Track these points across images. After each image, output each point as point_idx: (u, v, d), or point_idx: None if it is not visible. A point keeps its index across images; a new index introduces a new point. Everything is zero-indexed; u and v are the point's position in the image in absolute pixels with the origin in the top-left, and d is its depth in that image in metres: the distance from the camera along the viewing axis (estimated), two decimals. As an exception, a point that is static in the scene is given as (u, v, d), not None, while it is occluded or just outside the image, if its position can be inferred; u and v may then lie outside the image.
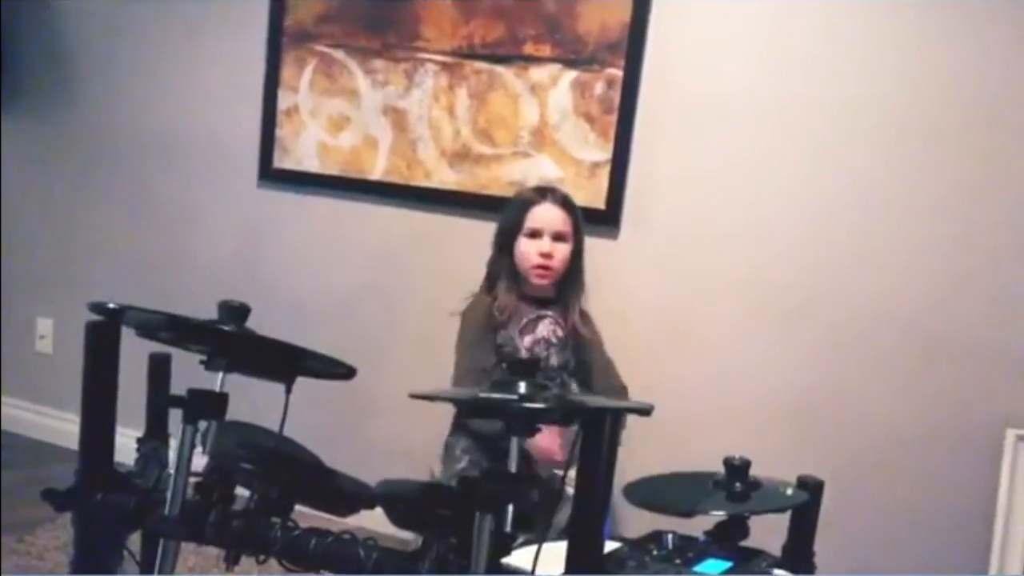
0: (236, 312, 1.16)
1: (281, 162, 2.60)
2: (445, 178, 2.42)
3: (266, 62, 2.58)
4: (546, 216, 1.89)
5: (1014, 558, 1.99)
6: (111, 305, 1.11)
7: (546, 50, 2.29)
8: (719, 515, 1.36)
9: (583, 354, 1.92)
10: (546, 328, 1.89)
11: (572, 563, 1.01)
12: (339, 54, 2.50)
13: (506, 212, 1.98)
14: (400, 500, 1.26)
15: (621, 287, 2.22)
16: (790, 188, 2.15)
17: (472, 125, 2.38)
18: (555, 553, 1.05)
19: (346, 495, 1.30)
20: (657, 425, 1.48)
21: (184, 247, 2.72)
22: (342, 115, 2.52)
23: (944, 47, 2.02)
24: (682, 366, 2.23)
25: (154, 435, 1.43)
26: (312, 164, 2.56)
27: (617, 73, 2.22)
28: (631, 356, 2.11)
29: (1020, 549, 1.99)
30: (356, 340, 2.48)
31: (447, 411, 2.34)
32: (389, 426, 2.44)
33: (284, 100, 2.57)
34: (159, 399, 1.43)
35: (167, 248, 2.75)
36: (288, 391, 1.22)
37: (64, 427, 2.85)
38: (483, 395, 1.01)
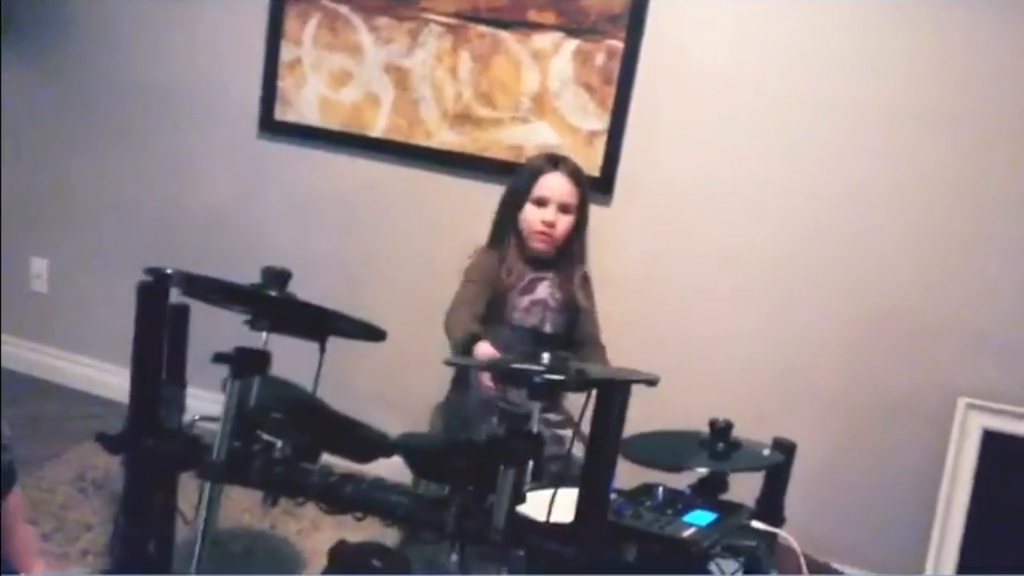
0: (279, 277, 1.26)
1: (282, 115, 2.64)
2: (446, 139, 2.49)
3: (269, 13, 2.59)
4: (554, 185, 1.98)
5: (957, 517, 2.21)
6: (168, 270, 1.19)
7: (549, 18, 2.35)
8: (703, 471, 1.52)
9: (576, 319, 2.04)
10: (544, 290, 2.00)
11: (583, 512, 1.15)
12: (343, 9, 2.52)
13: (517, 176, 2.07)
14: (422, 452, 1.39)
15: (612, 252, 2.33)
16: (780, 164, 2.28)
17: (474, 88, 2.45)
18: (556, 500, 1.19)
19: (370, 444, 1.43)
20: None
21: (181, 194, 2.77)
22: (344, 70, 2.56)
23: (937, 28, 2.14)
24: (668, 329, 2.37)
25: (173, 381, 1.54)
26: (313, 118, 2.61)
27: (618, 45, 2.30)
28: (621, 318, 2.25)
29: (963, 505, 2.20)
30: (348, 293, 2.57)
31: (439, 367, 2.48)
32: (381, 379, 2.56)
33: (287, 52, 2.59)
34: (179, 347, 1.54)
35: (164, 194, 2.79)
36: (322, 350, 1.34)
37: (58, 364, 2.93)
38: (514, 366, 1.13)
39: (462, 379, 2.03)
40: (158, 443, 1.25)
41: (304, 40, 2.58)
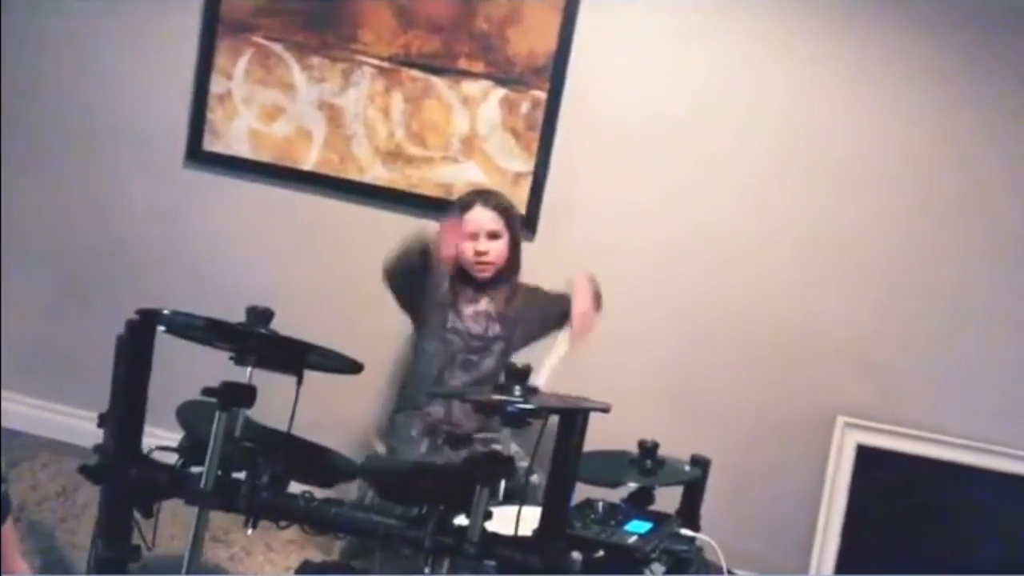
0: (262, 316, 1.35)
1: (211, 145, 2.67)
2: (378, 175, 2.61)
3: (199, 45, 2.63)
4: (479, 218, 2.17)
5: (835, 523, 2.51)
6: (165, 311, 1.27)
7: (479, 67, 2.53)
8: (634, 486, 1.72)
9: (513, 328, 2.22)
10: (486, 304, 2.18)
11: (546, 525, 1.31)
12: (276, 47, 2.60)
13: (450, 213, 2.23)
14: (388, 475, 1.52)
15: (536, 283, 2.51)
16: (685, 204, 2.54)
17: (406, 128, 2.58)
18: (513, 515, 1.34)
19: (336, 469, 1.54)
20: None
21: (107, 224, 2.74)
22: (276, 106, 2.63)
23: (821, 70, 2.46)
24: (586, 361, 2.57)
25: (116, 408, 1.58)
26: (243, 149, 2.66)
27: (541, 95, 2.50)
28: (542, 344, 2.43)
29: (840, 512, 2.50)
30: (279, 326, 2.63)
31: (373, 394, 2.57)
32: (315, 404, 2.62)
33: (217, 85, 2.64)
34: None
35: (89, 224, 2.75)
36: (299, 383, 1.43)
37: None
38: (491, 397, 1.28)
39: (404, 402, 2.15)
40: (142, 472, 1.31)
41: (235, 74, 2.63)
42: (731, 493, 2.54)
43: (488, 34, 2.51)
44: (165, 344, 1.43)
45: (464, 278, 2.19)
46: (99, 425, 1.59)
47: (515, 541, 1.30)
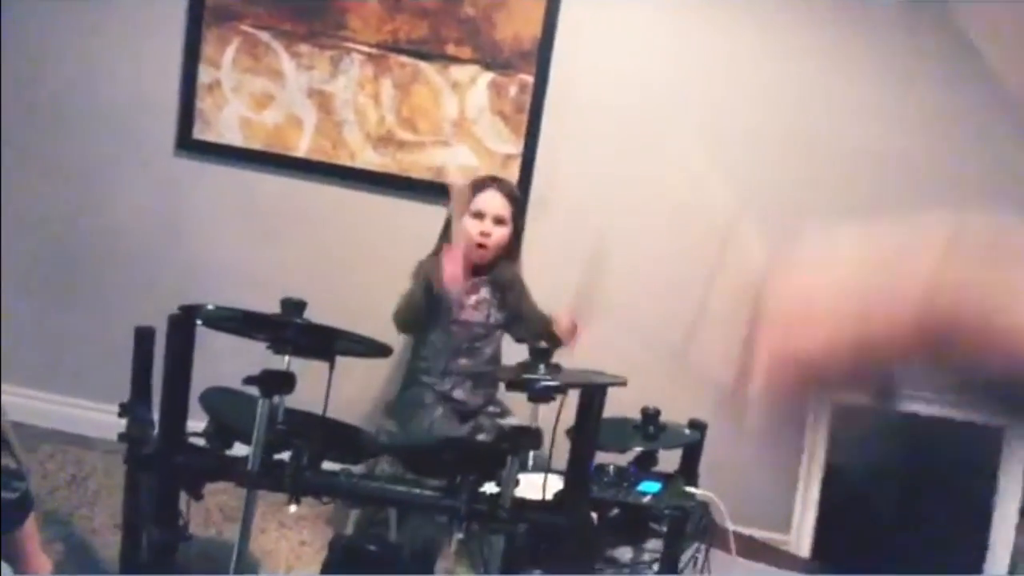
0: (296, 307, 1.43)
1: (202, 134, 2.70)
2: (369, 160, 2.67)
3: (186, 35, 2.64)
4: (489, 200, 2.24)
5: (813, 479, 2.68)
6: (208, 306, 1.34)
7: (466, 52, 2.59)
8: (639, 450, 1.84)
9: (518, 313, 2.31)
10: (486, 291, 2.27)
11: (570, 489, 1.43)
12: (264, 35, 2.63)
13: (458, 199, 2.31)
14: (414, 450, 1.62)
15: (526, 261, 2.61)
16: (666, 182, 2.65)
17: (396, 114, 2.64)
18: (538, 481, 1.46)
19: (363, 446, 1.63)
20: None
21: (98, 213, 2.76)
22: (266, 93, 2.67)
23: (802, 54, 2.58)
24: (585, 335, 2.68)
25: (140, 399, 1.66)
26: (234, 138, 2.70)
27: (528, 79, 2.58)
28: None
29: (819, 470, 2.68)
30: (272, 307, 2.69)
31: (376, 372, 2.66)
32: (319, 386, 2.71)
33: (205, 75, 2.66)
34: (145, 367, 1.66)
35: (80, 214, 2.77)
36: (332, 368, 1.52)
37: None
38: (520, 375, 1.38)
39: (411, 378, 2.24)
40: (190, 458, 1.39)
41: (223, 63, 2.66)
42: (722, 453, 2.69)
43: (475, 19, 2.57)
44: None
45: (466, 264, 2.27)
46: (120, 415, 1.67)
47: (543, 505, 1.42)
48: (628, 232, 2.68)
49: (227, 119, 2.69)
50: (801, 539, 2.68)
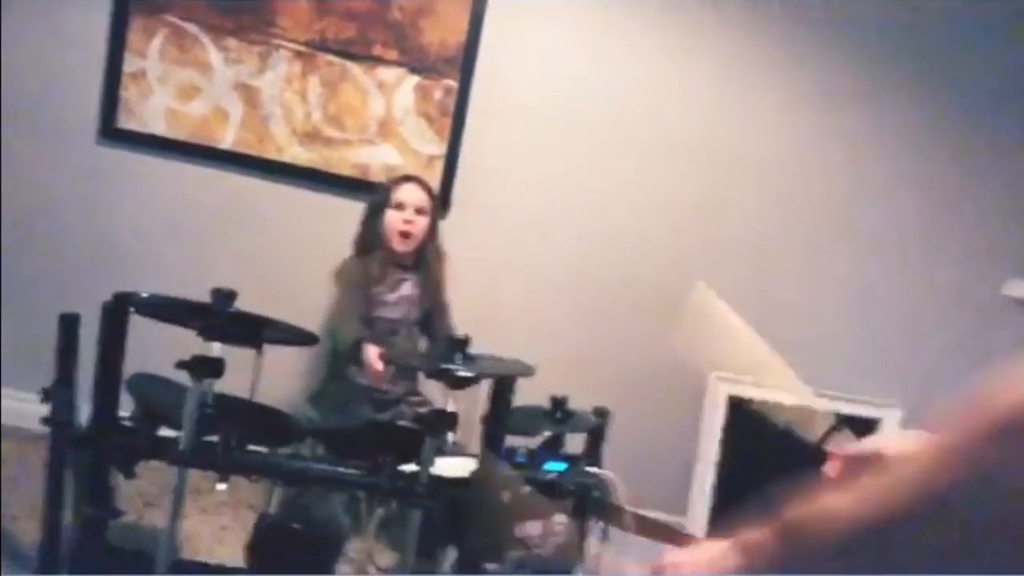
0: (227, 297, 1.52)
1: (126, 123, 2.71)
2: (296, 155, 2.74)
3: (111, 24, 2.64)
4: (410, 192, 2.37)
5: (708, 468, 2.90)
6: (143, 294, 1.41)
7: (393, 55, 2.69)
8: (548, 433, 2.00)
9: (434, 312, 2.43)
10: (408, 288, 2.38)
11: (484, 467, 1.56)
12: (192, 27, 2.66)
13: (376, 192, 2.41)
14: (339, 434, 1.72)
15: (449, 256, 2.73)
16: (580, 184, 2.82)
17: (323, 110, 2.72)
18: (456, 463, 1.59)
19: (288, 430, 1.73)
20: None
21: (20, 202, 2.72)
22: (192, 85, 2.70)
23: (700, 65, 2.79)
24: (490, 315, 2.82)
25: (64, 383, 1.72)
26: (159, 127, 2.71)
27: (453, 84, 2.70)
28: (455, 313, 2.66)
29: (714, 453, 2.90)
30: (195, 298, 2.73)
31: (299, 361, 2.73)
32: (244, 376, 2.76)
33: (131, 64, 2.67)
34: (70, 353, 1.72)
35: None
36: (259, 353, 1.61)
37: None
38: (439, 365, 1.50)
39: (335, 371, 2.33)
40: (124, 439, 1.46)
41: (149, 53, 2.67)
42: (623, 440, 2.88)
43: (402, 24, 2.67)
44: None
45: (388, 263, 2.38)
46: (43, 400, 1.71)
47: (458, 482, 1.55)
48: (541, 229, 2.84)
49: (152, 109, 2.70)
50: (696, 521, 2.90)
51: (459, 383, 1.50)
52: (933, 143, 2.88)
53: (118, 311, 1.46)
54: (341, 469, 1.52)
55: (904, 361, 2.98)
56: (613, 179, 2.84)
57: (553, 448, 1.97)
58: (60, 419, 1.67)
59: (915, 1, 2.79)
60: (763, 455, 2.92)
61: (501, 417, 1.54)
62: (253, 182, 2.76)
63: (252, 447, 1.55)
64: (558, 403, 2.01)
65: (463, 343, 1.52)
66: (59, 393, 1.72)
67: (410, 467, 1.56)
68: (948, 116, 2.86)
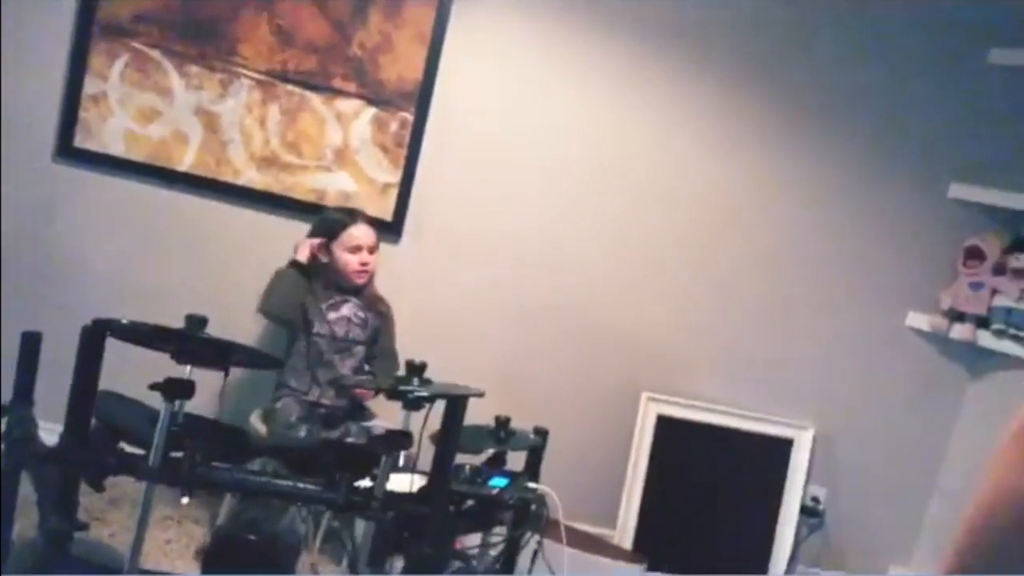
0: (199, 322, 1.64)
1: (83, 143, 2.77)
2: (252, 179, 2.84)
3: (72, 46, 2.71)
4: (363, 234, 2.54)
5: (639, 478, 3.10)
6: (122, 320, 1.52)
7: (352, 87, 2.83)
8: (491, 451, 2.15)
9: (378, 335, 2.58)
10: (349, 309, 2.53)
11: (434, 483, 1.71)
12: (155, 53, 2.75)
13: (324, 226, 2.56)
14: (296, 452, 1.85)
15: (399, 284, 2.87)
16: (528, 215, 3.00)
17: (281, 137, 2.83)
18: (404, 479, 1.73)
19: (247, 447, 1.85)
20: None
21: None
22: (153, 108, 2.78)
23: (642, 103, 3.01)
24: (441, 344, 2.96)
25: (23, 400, 1.80)
26: (118, 149, 2.78)
27: (409, 117, 2.85)
28: (402, 340, 2.80)
29: (643, 470, 3.10)
30: (144, 318, 2.77)
31: (251, 379, 2.82)
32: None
33: (92, 86, 2.74)
34: (30, 370, 1.81)
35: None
36: (226, 376, 1.73)
37: None
38: (396, 386, 1.64)
39: (282, 390, 2.45)
40: (92, 455, 1.56)
41: (111, 76, 2.74)
42: (558, 457, 3.05)
43: (361, 59, 2.81)
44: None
45: (329, 286, 2.52)
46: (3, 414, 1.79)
47: (410, 497, 1.69)
48: (487, 256, 3.01)
49: (111, 130, 2.77)
50: (625, 534, 3.08)
51: (415, 404, 1.65)
52: (852, 189, 3.16)
53: (96, 335, 1.56)
54: (301, 485, 1.64)
55: (817, 386, 3.24)
56: (549, 209, 3.04)
57: (496, 465, 2.12)
58: (17, 435, 1.76)
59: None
60: (687, 467, 3.15)
61: (453, 435, 1.68)
62: (210, 204, 2.85)
63: (214, 463, 1.66)
64: (501, 423, 2.16)
65: (421, 368, 1.67)
66: (17, 409, 1.80)
67: (363, 482, 1.70)
68: (864, 169, 3.14)
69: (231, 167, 2.83)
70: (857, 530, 3.32)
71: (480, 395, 1.74)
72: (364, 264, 2.50)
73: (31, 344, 1.85)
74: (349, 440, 2.20)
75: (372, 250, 2.55)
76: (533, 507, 1.86)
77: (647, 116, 3.02)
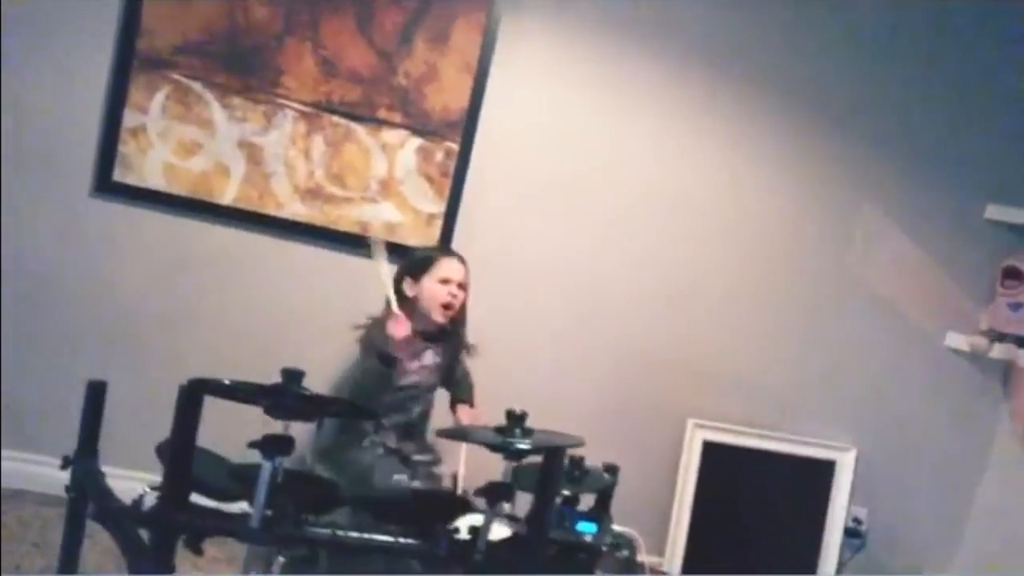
0: (296, 376, 1.59)
1: (123, 177, 2.70)
2: (297, 211, 2.79)
3: (111, 78, 2.65)
4: (454, 268, 2.43)
5: (687, 504, 3.08)
6: (225, 381, 1.47)
7: (396, 118, 2.79)
8: (566, 493, 2.12)
9: (450, 375, 2.54)
10: (430, 357, 2.46)
11: (533, 531, 1.67)
12: (196, 85, 2.69)
13: (413, 260, 2.45)
14: (381, 503, 1.81)
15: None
16: (574, 243, 2.99)
17: (326, 169, 2.79)
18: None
19: (335, 499, 1.80)
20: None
21: (11, 254, 2.68)
22: (194, 141, 2.72)
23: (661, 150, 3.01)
24: (487, 375, 2.93)
25: (86, 453, 1.76)
26: (157, 182, 2.72)
27: (454, 146, 2.82)
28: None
29: (691, 495, 3.08)
30: (190, 354, 2.76)
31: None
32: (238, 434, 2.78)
33: (131, 119, 2.67)
34: (95, 420, 1.76)
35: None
36: (319, 426, 1.69)
37: None
38: (495, 440, 1.61)
39: (352, 430, 2.38)
40: (193, 517, 1.51)
41: (151, 109, 2.68)
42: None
43: (406, 88, 2.78)
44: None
45: (414, 332, 2.44)
46: (63, 467, 1.75)
47: (510, 546, 1.65)
48: (534, 284, 2.99)
49: (151, 164, 2.71)
50: (674, 560, 3.07)
51: (518, 455, 1.62)
52: (891, 213, 3.17)
53: (193, 394, 1.51)
54: (400, 539, 1.60)
55: (859, 407, 3.25)
56: (595, 240, 3.02)
57: (571, 505, 2.09)
58: (87, 488, 1.71)
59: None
60: (733, 495, 3.14)
61: (552, 484, 1.65)
62: (253, 237, 2.79)
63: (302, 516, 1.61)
64: (576, 462, 2.13)
65: (521, 418, 1.63)
66: (83, 461, 1.75)
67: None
68: (902, 191, 3.17)
69: (274, 200, 2.78)
70: (898, 548, 3.34)
71: (580, 444, 1.71)
72: (452, 295, 2.38)
73: (96, 393, 1.80)
74: (445, 489, 2.16)
75: (462, 287, 2.44)
76: (626, 553, 1.83)
77: (691, 141, 3.02)
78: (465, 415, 2.42)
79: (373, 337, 2.32)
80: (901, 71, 3.09)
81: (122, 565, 2.36)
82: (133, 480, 1.70)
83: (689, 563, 3.09)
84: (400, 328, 2.24)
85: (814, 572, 3.22)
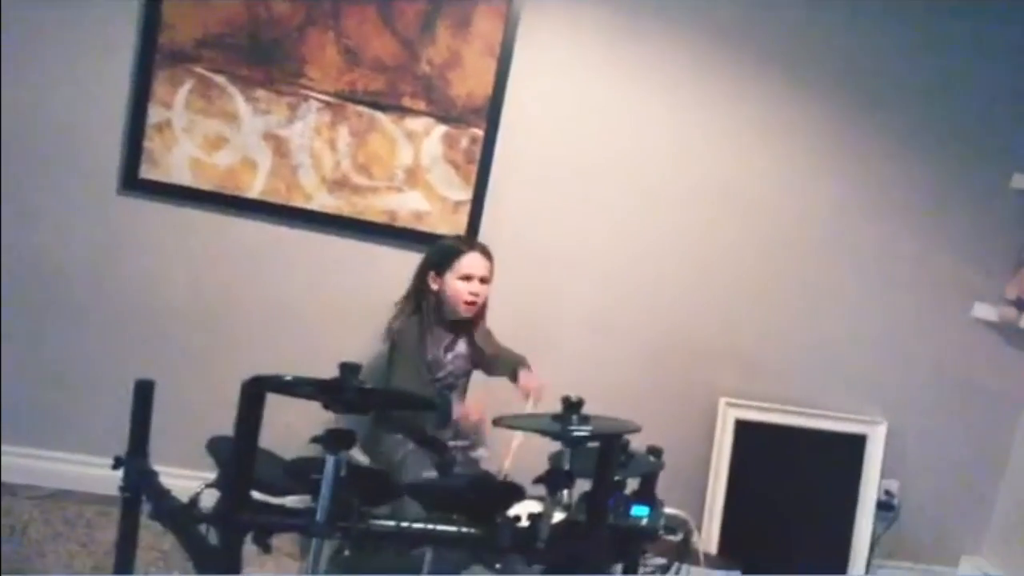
0: (354, 369, 1.59)
1: (148, 173, 2.69)
2: (324, 203, 2.78)
3: (134, 74, 2.63)
4: (476, 263, 2.45)
5: (722, 480, 3.09)
6: (286, 376, 1.47)
7: (421, 105, 2.77)
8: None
9: (481, 355, 2.55)
10: (462, 346, 2.46)
11: (592, 519, 1.68)
12: (220, 79, 2.67)
13: (436, 254, 2.47)
14: (436, 492, 1.81)
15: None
16: (603, 229, 2.97)
17: (352, 159, 2.77)
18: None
19: (387, 489, 1.80)
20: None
21: (38, 253, 2.67)
22: (220, 136, 2.70)
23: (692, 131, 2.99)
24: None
25: (138, 452, 1.76)
26: (183, 178, 2.71)
27: (479, 132, 2.80)
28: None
29: (725, 472, 3.10)
30: (224, 349, 2.76)
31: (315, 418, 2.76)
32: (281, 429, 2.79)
33: (155, 115, 2.66)
34: (144, 420, 1.76)
35: (20, 253, 2.66)
36: (374, 420, 1.68)
37: None
38: (553, 428, 1.61)
39: (387, 420, 2.39)
40: (258, 515, 1.51)
41: (175, 104, 2.66)
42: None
43: (430, 76, 2.76)
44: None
45: (441, 321, 2.45)
46: (115, 467, 1.75)
47: (570, 534, 1.66)
48: (564, 269, 2.98)
49: (177, 159, 2.69)
50: (710, 538, 3.08)
51: (576, 442, 1.62)
52: (915, 185, 3.16)
53: (255, 392, 1.50)
54: (462, 529, 1.60)
55: (888, 380, 3.25)
56: (627, 224, 3.00)
57: (619, 489, 2.09)
58: (141, 487, 1.71)
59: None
60: (766, 472, 3.15)
61: (609, 470, 1.65)
62: (281, 230, 2.78)
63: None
64: (622, 447, 2.13)
65: (578, 404, 1.63)
66: (133, 460, 1.75)
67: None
68: (926, 164, 3.15)
69: (302, 192, 2.76)
70: (929, 521, 3.35)
71: (637, 430, 1.71)
72: (474, 294, 2.42)
73: (143, 392, 1.80)
74: (503, 477, 2.16)
75: (484, 280, 2.46)
76: (680, 536, 1.84)
77: (721, 125, 3.00)
78: (530, 380, 2.41)
79: (412, 423, 2.33)
80: (927, 41, 3.06)
81: (170, 564, 2.39)
82: (168, 476, 1.69)
83: (724, 541, 3.11)
84: (474, 411, 2.25)
85: (848, 546, 3.23)
